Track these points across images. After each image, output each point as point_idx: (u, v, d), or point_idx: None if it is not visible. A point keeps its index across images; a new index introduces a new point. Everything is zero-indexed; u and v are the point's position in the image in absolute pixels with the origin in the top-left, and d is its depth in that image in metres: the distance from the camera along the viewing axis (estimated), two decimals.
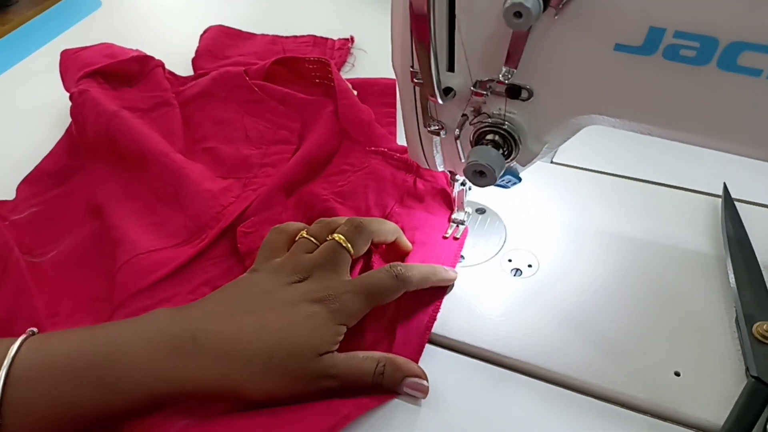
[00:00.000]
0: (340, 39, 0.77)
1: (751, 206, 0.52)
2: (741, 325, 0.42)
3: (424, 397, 0.41)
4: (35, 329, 0.39)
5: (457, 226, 0.51)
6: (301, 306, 0.41)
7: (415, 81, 0.37)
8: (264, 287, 0.43)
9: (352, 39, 0.77)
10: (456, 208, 0.51)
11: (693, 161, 0.55)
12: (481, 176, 0.36)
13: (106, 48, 0.69)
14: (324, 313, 0.40)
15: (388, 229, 0.48)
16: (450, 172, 0.47)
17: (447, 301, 0.47)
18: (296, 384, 0.39)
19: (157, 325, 0.40)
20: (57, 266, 0.52)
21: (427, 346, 0.44)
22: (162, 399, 0.38)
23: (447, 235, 0.51)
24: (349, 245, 0.44)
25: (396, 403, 0.41)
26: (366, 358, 0.41)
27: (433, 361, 0.43)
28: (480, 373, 0.43)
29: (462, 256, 0.50)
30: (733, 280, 0.45)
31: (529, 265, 0.49)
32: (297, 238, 0.46)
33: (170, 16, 0.89)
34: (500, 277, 0.48)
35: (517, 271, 0.48)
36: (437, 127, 0.40)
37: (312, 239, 0.45)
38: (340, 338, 0.41)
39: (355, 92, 0.63)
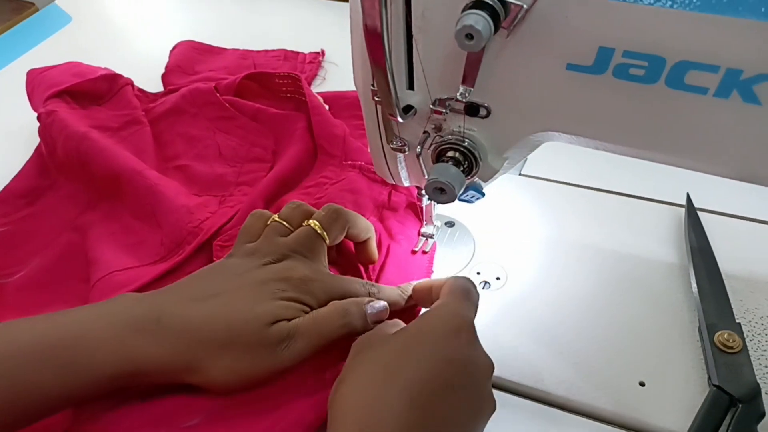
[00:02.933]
0: (311, 53, 0.77)
1: (714, 215, 0.53)
2: (703, 334, 0.43)
3: (386, 316, 0.42)
4: None
5: (426, 240, 0.51)
6: (270, 284, 0.41)
7: (376, 99, 0.37)
8: (236, 270, 0.43)
9: (322, 53, 0.77)
10: (425, 222, 0.52)
11: (657, 172, 0.55)
12: (441, 193, 0.36)
13: (73, 66, 0.68)
14: (291, 292, 0.41)
15: (363, 225, 0.47)
16: (416, 187, 0.47)
17: None
18: (257, 355, 0.39)
19: (123, 308, 0.39)
20: (23, 287, 0.52)
21: None
22: (126, 379, 0.38)
23: (416, 249, 0.51)
24: (324, 233, 0.44)
25: None
26: (329, 307, 0.41)
27: None
28: None
29: (431, 269, 0.50)
30: (696, 289, 0.46)
31: (498, 278, 0.49)
32: (269, 222, 0.46)
33: (141, 32, 0.89)
34: None
35: (486, 284, 0.49)
36: (400, 144, 0.40)
37: (284, 223, 0.45)
38: (301, 314, 0.41)
39: (327, 106, 0.64)
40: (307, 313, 0.41)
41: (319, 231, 0.44)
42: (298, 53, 0.77)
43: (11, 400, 0.35)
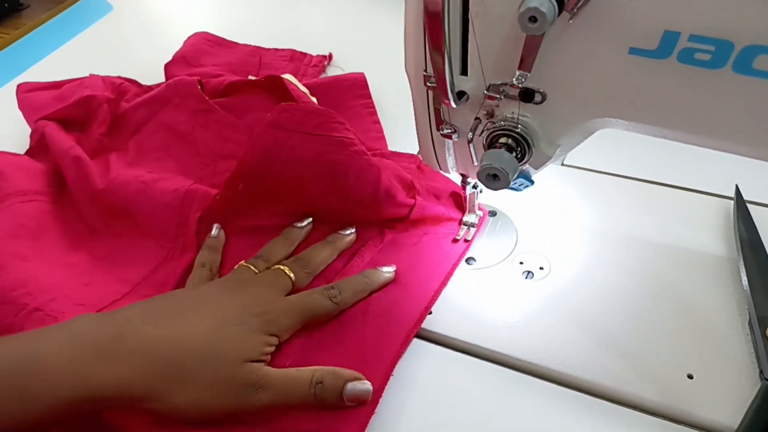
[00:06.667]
0: (318, 55, 0.76)
1: (764, 208, 0.52)
2: (754, 327, 0.42)
3: (368, 399, 0.40)
4: None
5: (468, 228, 0.51)
6: (233, 313, 0.41)
7: (428, 84, 0.37)
8: (201, 293, 0.45)
9: (330, 56, 0.76)
10: (467, 211, 0.51)
11: (705, 163, 0.55)
12: (494, 179, 0.36)
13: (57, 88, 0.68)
14: (256, 323, 0.41)
15: (326, 258, 0.50)
16: (462, 174, 0.47)
17: (458, 302, 0.47)
18: (222, 393, 0.38)
19: (81, 328, 0.39)
20: None
21: (438, 348, 0.44)
22: (82, 405, 0.36)
23: (458, 237, 0.51)
24: (292, 275, 0.47)
25: (407, 407, 0.41)
26: (301, 370, 0.40)
27: (444, 363, 0.43)
28: (492, 376, 0.43)
29: (474, 258, 0.50)
30: (746, 282, 0.45)
31: (541, 268, 0.49)
32: (236, 267, 0.48)
33: (181, 20, 0.89)
34: (512, 280, 0.48)
35: (529, 274, 0.49)
36: (450, 131, 0.40)
37: (251, 267, 0.47)
38: (270, 349, 0.41)
39: (314, 99, 0.63)
40: (274, 345, 0.42)
41: (287, 272, 0.47)
42: (305, 55, 0.76)
43: None
